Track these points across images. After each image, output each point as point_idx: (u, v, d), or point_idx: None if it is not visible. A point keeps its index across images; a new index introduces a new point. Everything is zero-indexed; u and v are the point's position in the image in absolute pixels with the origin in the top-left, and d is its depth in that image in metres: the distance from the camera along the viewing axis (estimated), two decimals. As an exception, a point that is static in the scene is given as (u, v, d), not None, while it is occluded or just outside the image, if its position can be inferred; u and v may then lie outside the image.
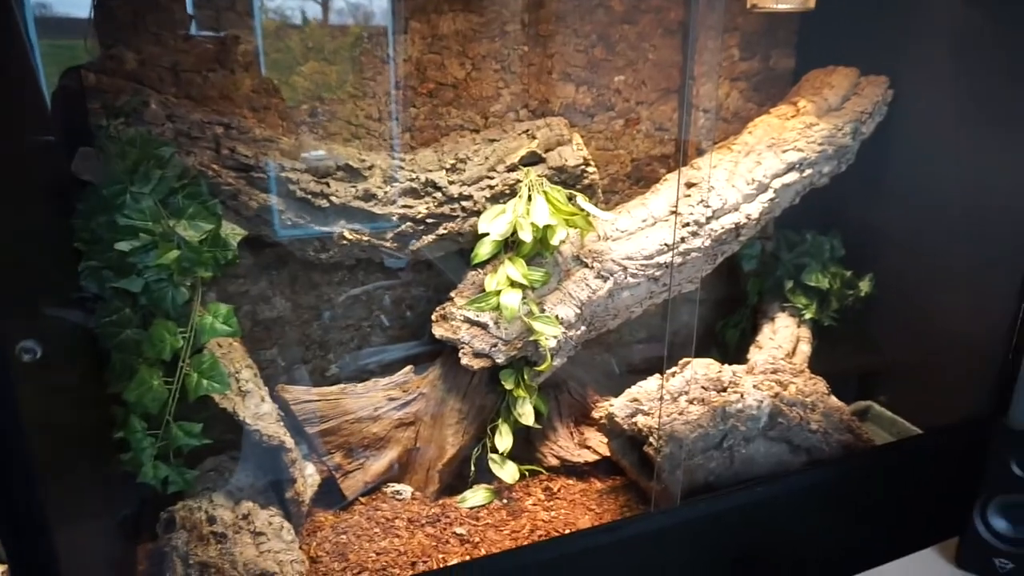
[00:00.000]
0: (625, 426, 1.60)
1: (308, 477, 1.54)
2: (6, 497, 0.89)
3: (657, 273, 1.70)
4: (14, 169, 1.05)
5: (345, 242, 1.56)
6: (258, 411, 1.43)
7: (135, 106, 1.37)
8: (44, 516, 0.92)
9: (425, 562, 1.45)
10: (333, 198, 1.52)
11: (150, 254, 1.28)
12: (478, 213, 1.60)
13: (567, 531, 1.56)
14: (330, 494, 1.60)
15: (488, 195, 1.61)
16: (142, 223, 1.27)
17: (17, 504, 0.89)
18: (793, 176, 1.81)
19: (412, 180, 1.58)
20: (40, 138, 1.26)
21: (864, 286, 2.02)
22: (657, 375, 1.64)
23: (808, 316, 1.99)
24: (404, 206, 1.58)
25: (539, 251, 1.61)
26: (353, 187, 1.55)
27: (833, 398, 1.71)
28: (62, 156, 1.29)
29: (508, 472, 1.64)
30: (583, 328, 1.66)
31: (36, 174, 1.20)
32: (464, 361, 1.56)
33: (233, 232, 1.40)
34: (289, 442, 1.46)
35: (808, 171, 1.83)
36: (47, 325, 1.10)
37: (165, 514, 1.39)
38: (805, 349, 1.94)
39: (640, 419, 1.59)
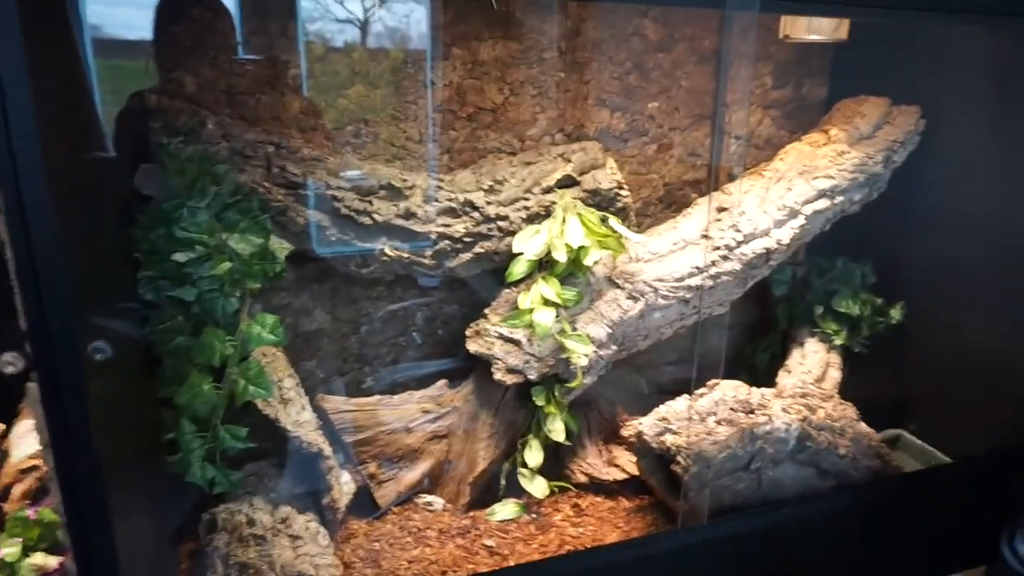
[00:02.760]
0: (653, 444, 1.63)
1: (344, 485, 1.58)
2: (73, 488, 0.95)
3: (688, 296, 1.73)
4: (85, 184, 1.13)
5: (386, 259, 1.62)
6: (299, 419, 1.49)
7: (193, 126, 1.45)
8: (106, 510, 0.98)
9: (455, 572, 1.49)
10: (376, 216, 1.59)
11: (204, 265, 1.35)
12: (514, 233, 1.65)
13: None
14: (364, 503, 1.64)
15: (524, 216, 1.66)
16: (198, 236, 1.34)
17: (83, 496, 0.95)
18: (824, 203, 1.84)
19: (451, 200, 1.64)
20: (101, 155, 1.34)
21: (895, 313, 2.02)
22: (686, 395, 1.66)
23: (838, 342, 2.00)
24: (443, 225, 1.64)
25: (572, 271, 1.65)
26: (395, 206, 1.61)
27: (863, 424, 1.71)
28: (125, 172, 1.37)
29: (537, 487, 1.67)
30: (614, 348, 1.70)
31: (99, 189, 1.27)
32: (497, 376, 1.60)
33: (281, 246, 1.47)
34: (327, 450, 1.51)
35: (839, 198, 1.85)
36: (110, 329, 1.17)
37: (207, 515, 1.45)
38: (835, 375, 1.95)
39: (668, 438, 1.61)
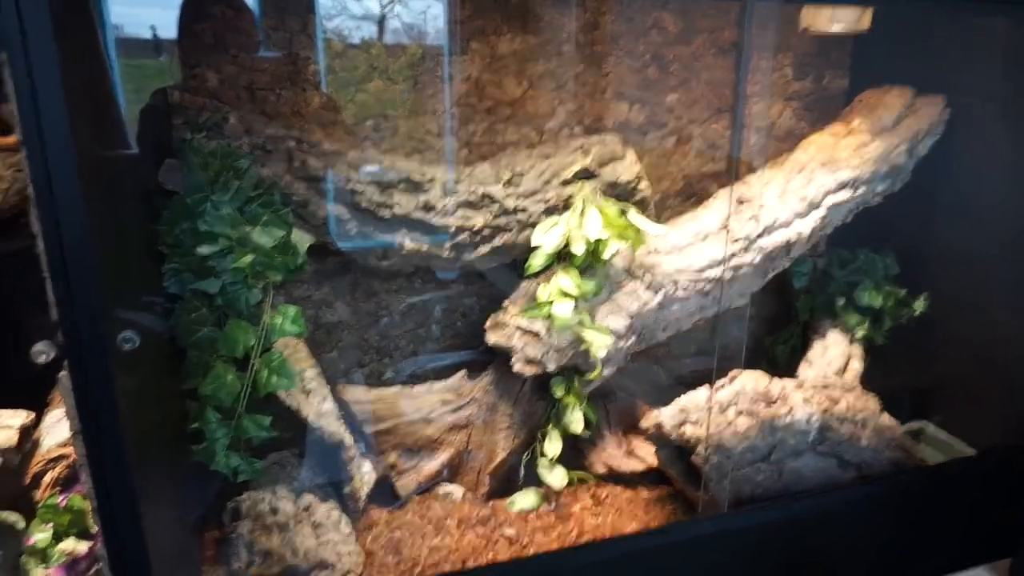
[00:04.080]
0: (673, 435, 1.63)
1: (365, 475, 1.60)
2: (102, 476, 0.97)
3: (707, 287, 1.73)
4: (111, 180, 1.15)
5: (405, 251, 1.64)
6: (320, 409, 1.51)
7: (216, 121, 1.47)
8: (135, 497, 1.00)
9: (475, 560, 1.50)
10: (395, 209, 1.60)
11: (227, 258, 1.37)
12: (533, 225, 1.65)
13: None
14: (385, 492, 1.66)
15: (543, 208, 1.66)
16: (221, 229, 1.37)
17: (112, 483, 0.98)
18: (845, 194, 1.82)
19: (470, 193, 1.65)
20: (125, 151, 1.37)
21: (919, 305, 2.00)
22: (706, 386, 1.66)
23: (860, 334, 1.99)
24: (462, 217, 1.65)
25: (591, 263, 1.66)
26: (414, 199, 1.62)
27: (885, 416, 1.70)
28: (149, 167, 1.40)
29: (557, 478, 1.68)
30: (633, 339, 1.70)
31: (124, 184, 1.30)
32: (516, 367, 1.61)
33: (302, 239, 1.49)
34: (348, 440, 1.53)
35: (861, 189, 1.84)
36: (137, 321, 1.19)
37: (232, 504, 1.48)
38: (857, 367, 1.93)
39: (688, 429, 1.61)
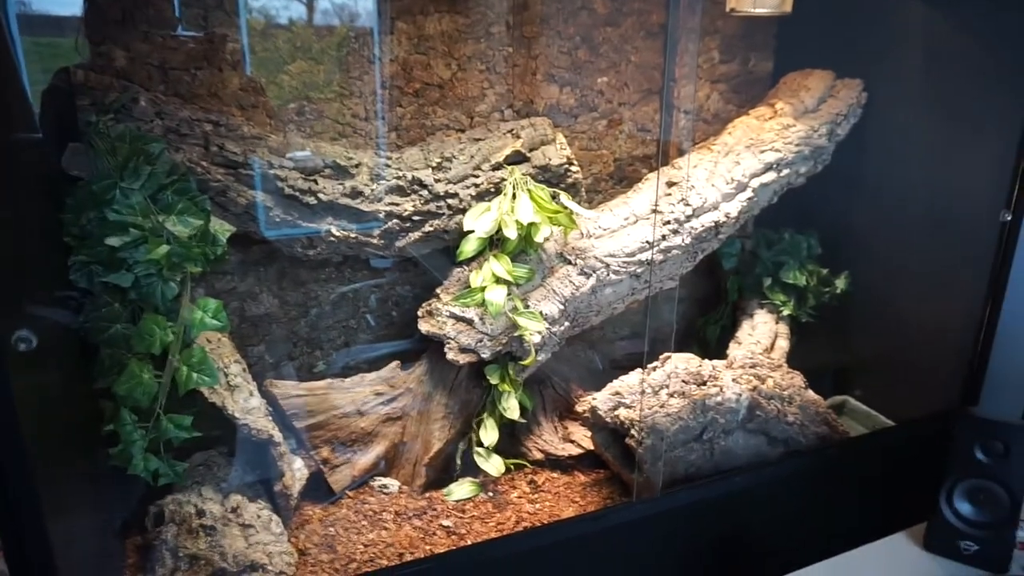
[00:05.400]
0: (608, 419, 1.64)
1: (296, 471, 1.55)
2: (2, 485, 0.90)
3: (639, 270, 1.74)
4: (8, 166, 1.07)
5: (332, 239, 1.59)
6: (247, 405, 1.45)
7: (124, 103, 1.38)
8: (39, 506, 0.94)
9: (412, 553, 1.48)
10: (321, 195, 1.54)
11: (140, 249, 1.29)
12: (463, 211, 1.62)
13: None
14: (318, 488, 1.61)
15: (473, 193, 1.64)
16: (132, 218, 1.29)
17: (12, 493, 0.91)
18: (771, 176, 1.86)
19: (399, 178, 1.61)
20: (28, 135, 1.27)
21: (840, 283, 2.07)
22: (639, 369, 1.67)
23: (786, 312, 2.04)
24: (391, 204, 1.61)
25: (523, 248, 1.64)
26: (340, 185, 1.57)
27: (810, 392, 1.75)
28: (52, 152, 1.30)
29: (493, 465, 1.66)
30: (567, 324, 1.70)
31: (26, 170, 1.21)
32: (450, 356, 1.58)
33: (222, 228, 1.42)
34: (277, 436, 1.48)
35: (785, 171, 1.88)
36: (38, 318, 1.11)
37: (154, 508, 1.41)
38: (783, 345, 1.98)
39: (622, 412, 1.62)
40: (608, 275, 1.71)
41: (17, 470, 0.90)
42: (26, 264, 1.12)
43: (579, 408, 1.83)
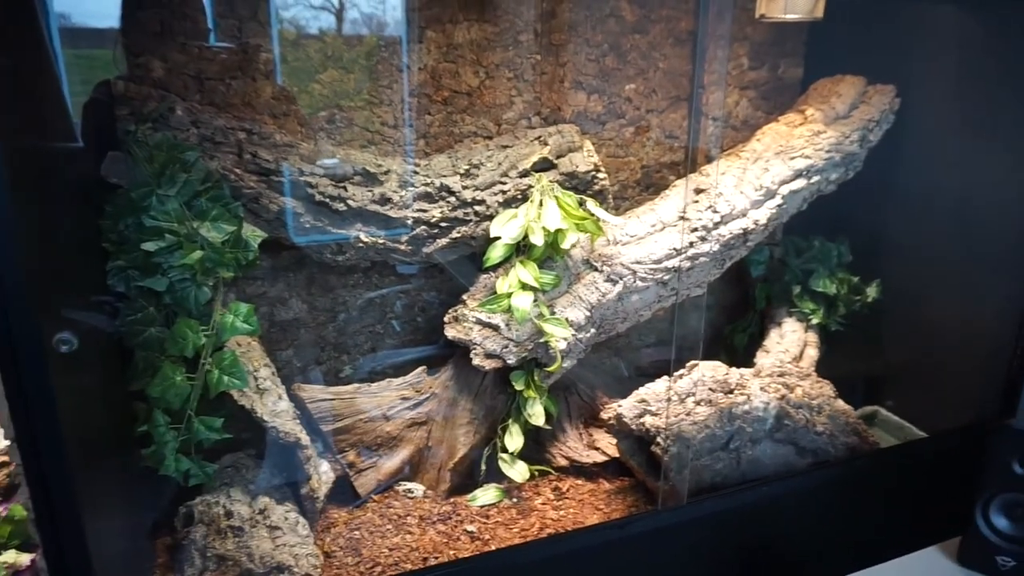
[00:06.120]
0: (633, 426, 1.63)
1: (323, 474, 1.57)
2: (42, 484, 0.93)
3: (666, 277, 1.73)
4: (48, 174, 1.10)
5: (361, 245, 1.61)
6: (275, 409, 1.47)
7: (162, 112, 1.42)
8: (76, 505, 0.96)
9: (436, 558, 1.49)
10: (350, 202, 1.57)
11: (175, 254, 1.32)
12: (491, 217, 1.63)
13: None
14: (344, 492, 1.63)
15: (501, 200, 1.65)
16: (167, 224, 1.32)
17: (52, 491, 0.93)
18: (800, 183, 1.84)
19: (427, 185, 1.63)
20: (68, 144, 1.31)
21: (871, 292, 2.04)
22: (665, 377, 1.66)
23: (815, 321, 2.02)
24: (419, 210, 1.62)
25: (550, 255, 1.65)
26: (370, 191, 1.59)
27: (840, 402, 1.73)
28: (92, 161, 1.34)
29: (518, 472, 1.67)
30: (593, 331, 1.69)
31: (67, 178, 1.25)
32: (476, 362, 1.59)
33: (254, 234, 1.45)
34: (305, 440, 1.49)
35: (815, 178, 1.86)
36: (78, 321, 1.14)
37: (184, 508, 1.43)
38: (812, 353, 1.96)
39: (648, 419, 1.61)
40: (635, 282, 1.70)
41: (57, 469, 0.93)
42: (67, 269, 1.15)
43: (604, 415, 1.83)
